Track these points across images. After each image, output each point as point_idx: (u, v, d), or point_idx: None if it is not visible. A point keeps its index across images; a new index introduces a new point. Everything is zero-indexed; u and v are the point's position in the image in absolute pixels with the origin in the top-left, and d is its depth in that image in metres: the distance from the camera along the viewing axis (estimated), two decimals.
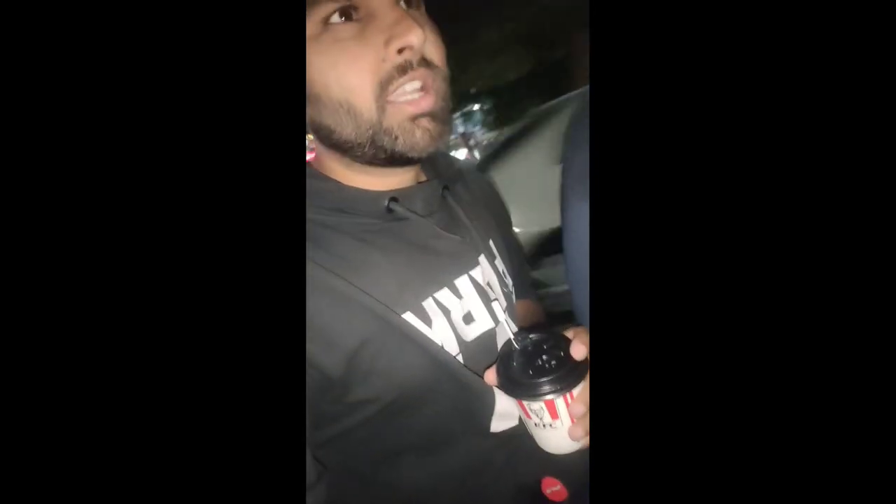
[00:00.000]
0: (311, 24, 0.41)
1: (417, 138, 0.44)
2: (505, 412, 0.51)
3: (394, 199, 0.48)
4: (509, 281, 0.58)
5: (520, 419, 0.52)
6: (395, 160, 0.46)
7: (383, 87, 0.42)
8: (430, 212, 0.51)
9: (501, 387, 0.46)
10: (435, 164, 0.57)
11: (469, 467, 0.51)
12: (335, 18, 0.41)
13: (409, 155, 0.45)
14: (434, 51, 0.45)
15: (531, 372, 0.44)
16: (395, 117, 0.43)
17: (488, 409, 0.51)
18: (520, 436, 0.50)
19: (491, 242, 0.57)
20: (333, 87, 0.42)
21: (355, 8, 0.42)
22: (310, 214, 0.46)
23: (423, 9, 0.46)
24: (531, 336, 0.47)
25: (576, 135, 0.61)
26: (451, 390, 0.48)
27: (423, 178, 0.55)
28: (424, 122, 0.44)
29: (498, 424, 0.51)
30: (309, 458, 0.42)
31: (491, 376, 0.46)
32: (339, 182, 0.49)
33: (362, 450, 0.49)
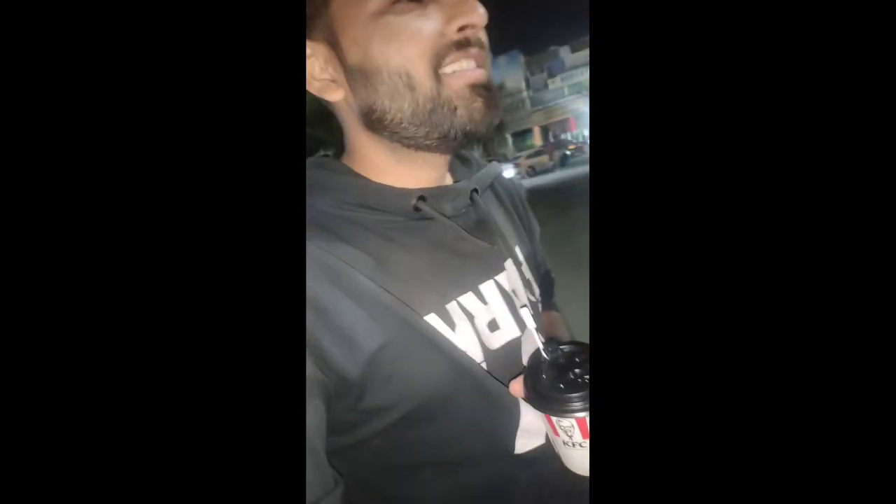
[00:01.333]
0: (377, 2, 0.42)
1: (476, 108, 0.44)
2: (530, 428, 0.49)
3: (422, 198, 0.47)
4: (536, 290, 0.56)
5: (546, 437, 0.49)
6: (448, 139, 0.45)
7: (440, 59, 0.42)
8: (457, 213, 0.50)
9: (529, 400, 0.43)
10: (465, 167, 0.57)
11: (491, 488, 0.48)
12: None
13: (467, 128, 0.44)
14: (484, 34, 0.45)
15: (562, 386, 0.41)
16: (453, 87, 0.43)
17: (513, 423, 0.48)
18: (548, 457, 0.47)
19: (517, 249, 0.56)
20: (393, 58, 0.42)
21: None
22: (336, 210, 0.46)
23: None
24: (562, 347, 0.44)
25: None
26: (473, 401, 0.45)
27: (450, 180, 0.54)
28: (482, 91, 0.44)
29: (523, 442, 0.49)
30: (325, 466, 0.40)
31: (517, 388, 0.44)
32: (367, 178, 0.48)
33: (378, 462, 0.47)
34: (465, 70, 0.44)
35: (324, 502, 0.37)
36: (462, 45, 0.43)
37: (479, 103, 0.44)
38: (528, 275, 0.56)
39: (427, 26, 0.42)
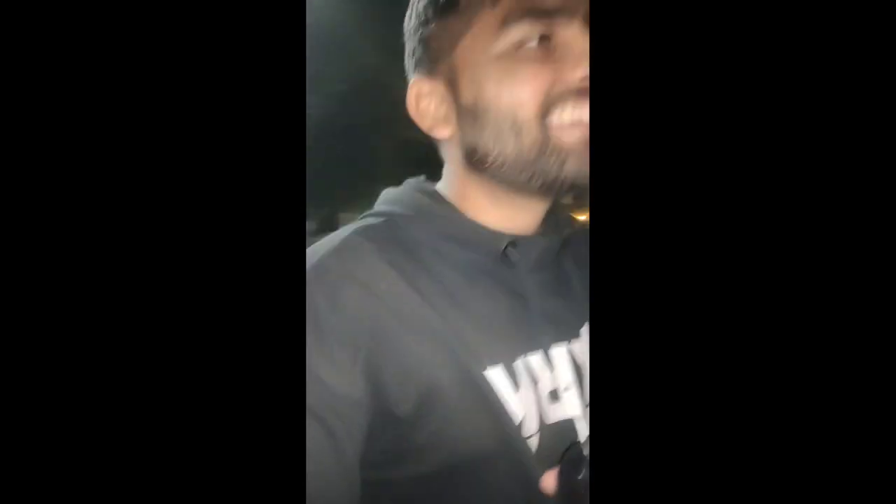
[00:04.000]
0: (503, 43, 0.41)
1: (582, 164, 0.42)
2: None
3: (512, 244, 0.46)
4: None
5: None
6: (553, 188, 0.44)
7: (551, 104, 0.42)
8: (543, 266, 0.48)
9: (559, 501, 0.38)
10: (553, 218, 0.53)
11: None
12: (531, 44, 0.42)
13: (577, 181, 0.43)
14: None
15: None
16: (568, 138, 0.42)
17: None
18: None
19: None
20: (503, 100, 0.42)
21: (550, 37, 0.42)
22: (427, 238, 0.45)
23: None
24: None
25: None
26: (510, 475, 0.42)
27: (540, 229, 0.51)
28: (586, 150, 0.42)
29: None
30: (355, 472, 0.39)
31: (549, 482, 0.39)
32: (462, 213, 0.47)
33: None
34: (582, 121, 0.42)
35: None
36: (581, 93, 0.41)
37: (586, 157, 0.42)
38: None
39: (543, 72, 0.41)
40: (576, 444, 0.41)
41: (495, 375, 0.43)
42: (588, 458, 0.38)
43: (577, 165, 0.42)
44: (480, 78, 0.43)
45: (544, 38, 0.42)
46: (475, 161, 0.45)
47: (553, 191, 0.45)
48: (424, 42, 0.46)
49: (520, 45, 0.42)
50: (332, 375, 0.38)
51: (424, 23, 0.45)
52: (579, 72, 0.41)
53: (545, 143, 0.42)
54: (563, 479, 0.38)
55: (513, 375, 0.43)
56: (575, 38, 0.41)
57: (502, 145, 0.43)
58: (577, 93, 0.41)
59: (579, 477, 0.37)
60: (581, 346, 0.49)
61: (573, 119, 0.42)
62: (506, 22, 0.41)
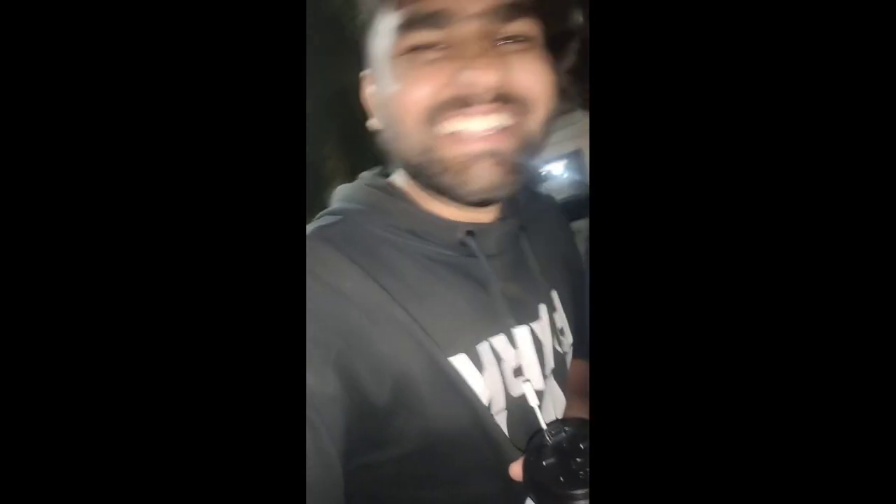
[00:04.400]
0: (399, 46, 0.40)
1: (470, 178, 0.41)
2: None
3: (469, 233, 0.46)
4: (567, 339, 0.55)
5: None
6: (453, 196, 0.43)
7: (437, 111, 0.40)
8: (501, 251, 0.49)
9: (528, 489, 0.40)
10: (516, 200, 0.53)
11: None
12: (426, 50, 0.40)
13: (457, 192, 0.42)
14: (530, 90, 0.41)
15: (562, 479, 0.37)
16: (452, 150, 0.40)
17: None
18: None
19: (554, 293, 0.54)
20: (396, 104, 0.41)
21: (447, 44, 0.40)
22: (384, 233, 0.45)
23: (532, 50, 0.42)
24: (566, 429, 0.41)
25: None
26: (484, 451, 0.45)
27: (499, 213, 0.51)
28: (485, 163, 0.40)
29: None
30: (337, 468, 0.39)
31: (517, 471, 0.41)
32: (417, 204, 0.47)
33: (388, 490, 0.46)
34: (474, 133, 0.40)
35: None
36: (466, 102, 0.39)
37: (473, 175, 0.41)
38: (562, 321, 0.54)
39: (433, 76, 0.39)
40: (539, 432, 0.42)
41: (460, 362, 0.44)
42: (552, 445, 0.40)
43: (458, 181, 0.41)
44: (385, 78, 0.42)
45: (440, 45, 0.40)
46: (395, 159, 0.46)
47: (452, 198, 0.43)
48: (362, 36, 0.46)
49: (415, 49, 0.40)
50: (307, 374, 0.39)
51: (363, 16, 0.45)
52: (462, 76, 0.39)
53: (429, 149, 0.41)
54: (528, 467, 0.40)
55: (477, 359, 0.45)
56: (468, 40, 0.39)
57: (400, 147, 0.43)
58: (459, 99, 0.39)
59: (544, 463, 0.39)
60: (540, 325, 0.51)
61: (454, 129, 0.40)
62: (404, 26, 0.40)
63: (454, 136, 0.40)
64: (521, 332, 0.48)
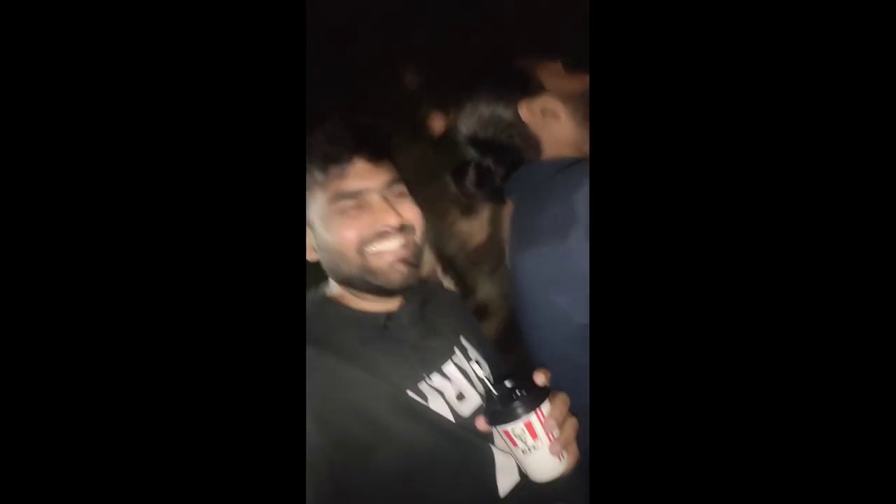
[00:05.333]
0: (331, 208, 0.65)
1: (393, 277, 0.66)
2: (505, 465, 0.65)
3: (389, 318, 0.69)
4: (484, 365, 0.76)
5: (519, 469, 0.63)
6: (381, 292, 0.68)
7: (364, 243, 0.65)
8: (413, 322, 0.72)
9: (489, 422, 0.58)
10: (416, 289, 0.78)
11: None
12: (350, 207, 0.65)
13: (388, 288, 0.67)
14: (412, 217, 0.68)
15: (507, 402, 0.56)
16: (378, 262, 0.66)
17: (489, 461, 0.64)
18: (531, 496, 0.61)
19: (462, 338, 0.77)
20: (334, 237, 0.66)
21: (361, 202, 0.66)
22: (326, 331, 0.65)
23: (408, 195, 0.69)
24: (506, 382, 0.60)
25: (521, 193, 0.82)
26: (453, 452, 0.62)
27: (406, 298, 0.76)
28: (399, 266, 0.67)
29: (503, 481, 0.64)
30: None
31: (481, 422, 0.61)
32: (353, 308, 0.71)
33: None
34: (389, 250, 0.66)
35: None
36: (383, 235, 0.65)
37: (394, 274, 0.66)
38: (475, 355, 0.76)
39: (357, 222, 0.65)
40: (487, 390, 0.63)
41: (411, 397, 0.64)
42: (498, 395, 0.59)
43: (387, 280, 0.66)
44: (317, 219, 0.67)
45: (358, 200, 0.66)
46: (334, 277, 0.71)
47: (383, 293, 0.68)
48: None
49: (342, 207, 0.66)
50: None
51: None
52: (377, 225, 0.65)
53: (364, 265, 0.65)
54: (486, 411, 0.60)
55: (421, 395, 0.65)
56: (373, 201, 0.66)
57: (339, 268, 0.68)
58: (379, 235, 0.65)
59: (495, 402, 0.58)
60: (458, 358, 0.73)
61: (380, 248, 0.65)
62: (333, 197, 0.66)
63: (382, 253, 0.66)
64: (448, 368, 0.70)
